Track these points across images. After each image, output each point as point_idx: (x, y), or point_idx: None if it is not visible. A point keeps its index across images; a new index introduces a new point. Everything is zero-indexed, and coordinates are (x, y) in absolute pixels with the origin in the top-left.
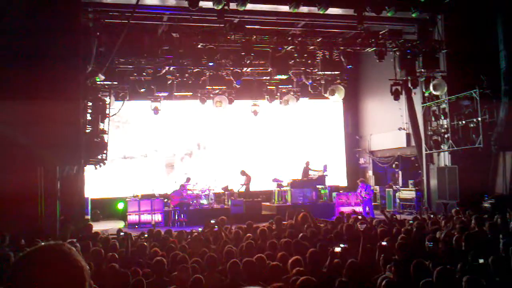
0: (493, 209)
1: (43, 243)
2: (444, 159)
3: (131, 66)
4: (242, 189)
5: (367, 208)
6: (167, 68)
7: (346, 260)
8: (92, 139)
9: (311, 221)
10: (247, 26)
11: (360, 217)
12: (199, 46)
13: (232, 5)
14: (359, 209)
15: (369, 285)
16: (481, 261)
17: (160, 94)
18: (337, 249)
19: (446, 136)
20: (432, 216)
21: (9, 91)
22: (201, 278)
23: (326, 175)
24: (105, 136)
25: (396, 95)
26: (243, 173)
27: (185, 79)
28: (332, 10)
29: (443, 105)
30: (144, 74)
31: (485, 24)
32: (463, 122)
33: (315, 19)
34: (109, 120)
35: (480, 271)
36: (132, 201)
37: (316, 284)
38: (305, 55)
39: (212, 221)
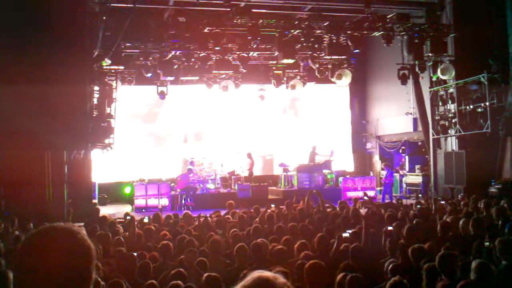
0: (500, 194)
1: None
2: (451, 144)
3: (137, 51)
4: (245, 173)
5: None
6: (173, 52)
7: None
8: (99, 123)
9: (321, 202)
10: (253, 10)
11: (366, 198)
12: (205, 31)
13: None
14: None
15: (374, 269)
16: (486, 244)
17: (167, 79)
18: (345, 234)
19: (453, 121)
20: (441, 201)
21: (16, 76)
22: (205, 261)
23: (333, 160)
24: (112, 120)
25: (403, 80)
26: (249, 155)
27: (191, 63)
28: None
29: (451, 90)
30: (151, 58)
31: (494, 8)
32: (471, 106)
33: (322, 3)
34: (115, 104)
35: (486, 255)
36: (139, 185)
37: (324, 268)
38: (312, 39)
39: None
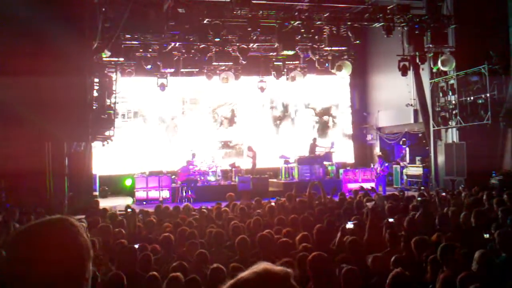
0: (500, 186)
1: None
2: (452, 135)
3: (137, 42)
4: (249, 166)
5: (379, 186)
6: (173, 44)
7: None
8: (99, 115)
9: (322, 194)
10: (253, 1)
11: (370, 191)
12: (205, 22)
13: None
14: (370, 185)
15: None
16: (486, 236)
17: (167, 71)
18: (349, 226)
19: (454, 112)
20: (442, 193)
21: (17, 68)
22: (206, 253)
23: (333, 152)
24: (112, 112)
25: (404, 71)
26: (249, 148)
27: (191, 55)
28: None
29: (451, 81)
30: (150, 50)
31: None
32: (471, 98)
33: None
34: (115, 96)
35: (486, 247)
36: (139, 178)
37: (327, 260)
38: (312, 30)
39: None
